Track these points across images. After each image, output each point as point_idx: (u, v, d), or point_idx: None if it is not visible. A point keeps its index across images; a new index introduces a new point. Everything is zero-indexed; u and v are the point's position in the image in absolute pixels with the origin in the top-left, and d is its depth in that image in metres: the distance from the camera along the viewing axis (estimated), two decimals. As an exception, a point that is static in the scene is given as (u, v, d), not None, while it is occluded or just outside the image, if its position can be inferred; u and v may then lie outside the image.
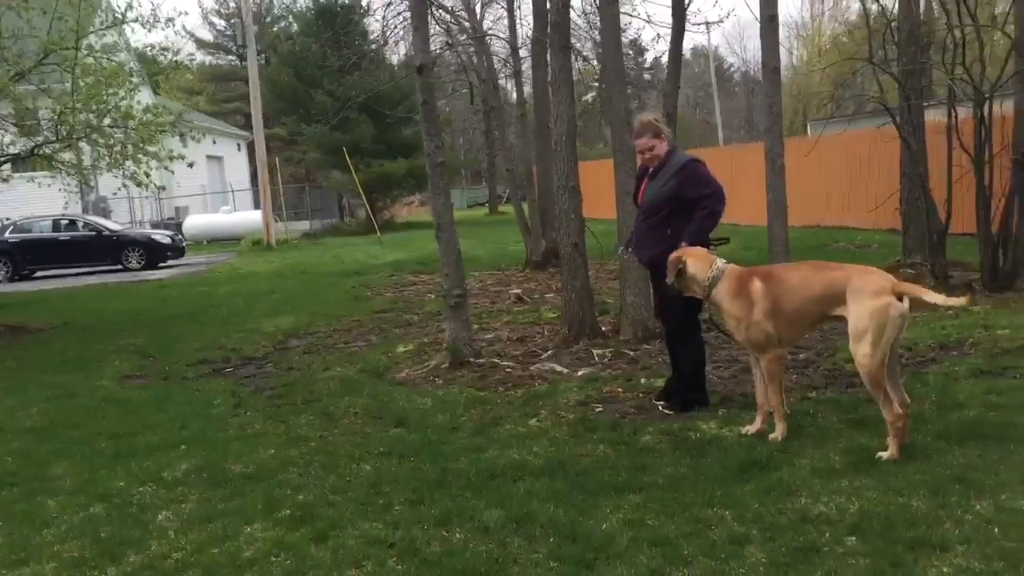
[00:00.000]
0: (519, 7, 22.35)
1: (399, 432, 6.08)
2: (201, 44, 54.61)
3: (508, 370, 7.74)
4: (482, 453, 5.42)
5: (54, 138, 11.55)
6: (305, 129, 34.46)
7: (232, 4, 55.86)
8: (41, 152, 11.87)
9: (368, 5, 35.56)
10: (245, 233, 30.22)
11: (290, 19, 56.20)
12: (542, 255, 15.95)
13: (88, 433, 6.64)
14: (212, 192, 39.37)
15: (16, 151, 11.97)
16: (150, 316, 13.39)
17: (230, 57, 58.80)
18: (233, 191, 38.52)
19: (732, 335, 5.54)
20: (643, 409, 6.21)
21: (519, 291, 12.81)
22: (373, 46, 33.16)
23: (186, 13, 27.46)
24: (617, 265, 11.95)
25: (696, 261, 5.43)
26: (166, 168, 12.04)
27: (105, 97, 11.35)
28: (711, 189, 5.89)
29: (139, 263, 23.55)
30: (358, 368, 8.39)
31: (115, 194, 19.16)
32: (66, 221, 23.89)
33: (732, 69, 74.04)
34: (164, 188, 13.02)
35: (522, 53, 18.17)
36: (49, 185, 14.14)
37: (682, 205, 5.93)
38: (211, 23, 57.54)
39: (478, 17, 16.25)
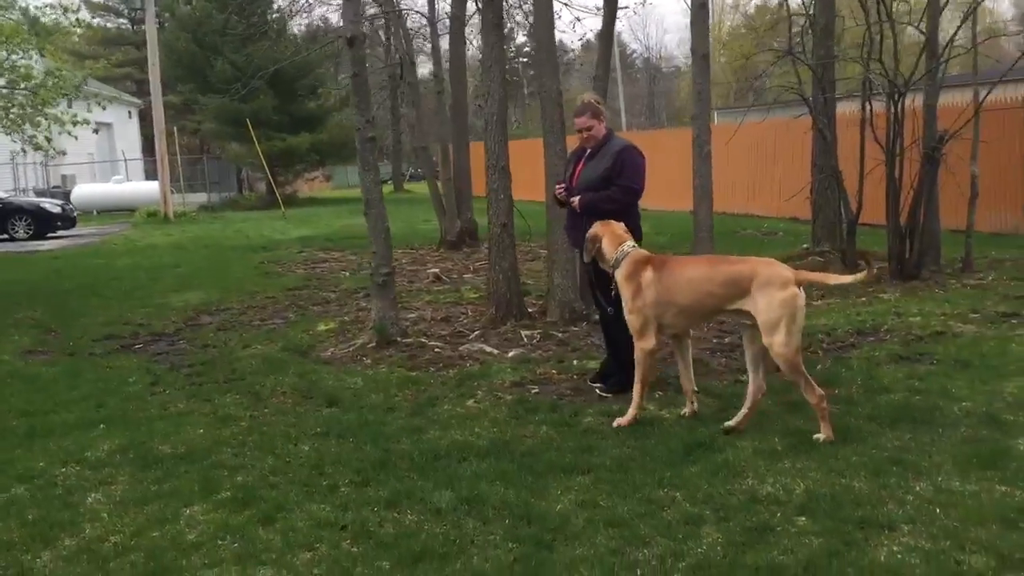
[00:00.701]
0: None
1: (333, 412, 5.95)
2: (90, 5, 52.06)
3: (437, 350, 7.67)
4: (423, 434, 5.36)
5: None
6: (203, 98, 33.29)
7: (126, -35, 53.52)
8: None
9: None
10: (139, 204, 29.09)
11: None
12: (457, 235, 15.86)
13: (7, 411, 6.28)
14: (101, 161, 37.73)
15: None
16: (46, 289, 12.75)
17: (120, 20, 56.34)
18: (126, 160, 36.98)
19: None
20: (579, 391, 6.24)
21: (437, 270, 12.72)
22: (275, 15, 32.31)
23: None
24: (539, 248, 12.03)
25: (609, 240, 5.51)
26: (69, 133, 11.44)
27: (4, 55, 10.70)
28: (635, 185, 5.98)
29: (27, 233, 22.40)
30: (280, 346, 8.18)
31: (17, 158, 18.08)
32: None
33: (634, 55, 75.06)
34: (64, 153, 12.35)
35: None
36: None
37: None
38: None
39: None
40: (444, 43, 17.51)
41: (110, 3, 54.33)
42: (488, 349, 7.65)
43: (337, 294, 11.36)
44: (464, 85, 16.33)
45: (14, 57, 11.01)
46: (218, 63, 31.46)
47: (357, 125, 7.92)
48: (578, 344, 7.65)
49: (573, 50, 47.52)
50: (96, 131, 13.07)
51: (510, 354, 7.42)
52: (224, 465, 4.94)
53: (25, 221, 22.55)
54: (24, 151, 11.95)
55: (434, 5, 17.04)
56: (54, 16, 13.01)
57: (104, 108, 20.67)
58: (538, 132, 8.27)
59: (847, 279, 5.20)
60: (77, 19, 12.12)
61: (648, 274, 5.28)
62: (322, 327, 8.95)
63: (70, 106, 11.93)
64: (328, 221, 24.46)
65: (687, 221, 16.44)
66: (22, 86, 11.10)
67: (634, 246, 5.50)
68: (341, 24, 21.72)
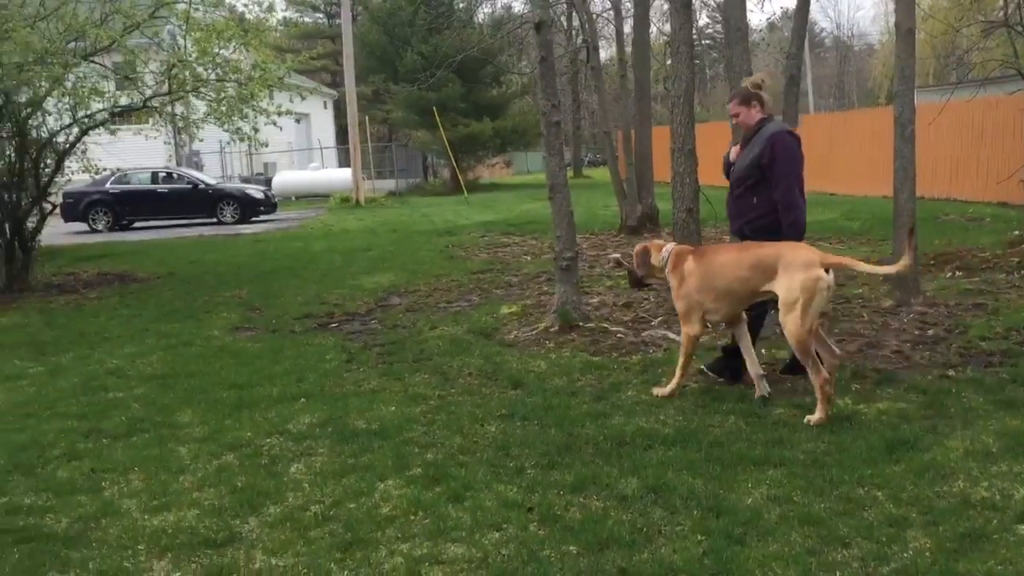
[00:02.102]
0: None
1: (518, 394, 6.01)
2: (289, 1, 55.01)
3: (619, 336, 7.61)
4: (607, 419, 5.32)
5: (165, 91, 11.74)
6: (392, 87, 34.53)
7: (322, -39, 56.18)
8: (151, 105, 12.07)
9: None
10: (332, 190, 30.55)
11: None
12: (637, 220, 15.70)
13: (208, 382, 6.74)
14: (299, 149, 39.86)
15: (128, 103, 12.19)
16: (250, 269, 13.59)
17: (317, 15, 59.20)
18: (321, 148, 38.92)
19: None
20: (768, 381, 6.01)
21: (618, 256, 12.60)
22: (462, 4, 33.06)
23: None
24: (723, 233, 11.73)
25: (656, 249, 5.83)
26: (275, 123, 12.13)
27: (216, 51, 11.46)
28: (792, 177, 5.65)
29: (233, 217, 23.98)
30: (465, 328, 8.35)
31: (225, 148, 19.33)
32: (164, 174, 24.46)
33: (823, 33, 71.78)
34: (267, 144, 13.12)
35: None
36: (156, 137, 14.41)
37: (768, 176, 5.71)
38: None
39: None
40: (626, 26, 17.33)
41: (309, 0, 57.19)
42: (672, 336, 7.51)
43: (519, 278, 11.48)
44: (647, 68, 16.12)
45: (224, 52, 11.78)
46: (407, 53, 32.50)
47: (543, 109, 7.95)
48: (766, 332, 7.38)
49: (761, 30, 45.94)
50: (298, 121, 13.80)
51: (695, 341, 7.25)
52: (415, 442, 5.09)
53: (232, 206, 24.15)
54: (234, 140, 12.75)
55: (618, -12, 16.86)
56: (258, 13, 13.81)
57: (304, 99, 21.79)
58: (721, 115, 8.00)
59: (880, 269, 5.32)
60: (286, 19, 12.76)
61: (689, 263, 5.54)
62: (505, 310, 9.07)
63: (271, 98, 12.63)
64: (509, 206, 24.81)
65: (881, 206, 15.65)
66: (232, 79, 11.86)
67: (675, 245, 5.84)
68: (524, 12, 21.90)
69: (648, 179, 16.09)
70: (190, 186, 24.17)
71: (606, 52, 34.53)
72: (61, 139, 12.13)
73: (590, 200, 23.69)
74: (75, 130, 12.02)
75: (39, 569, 3.75)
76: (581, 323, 7.94)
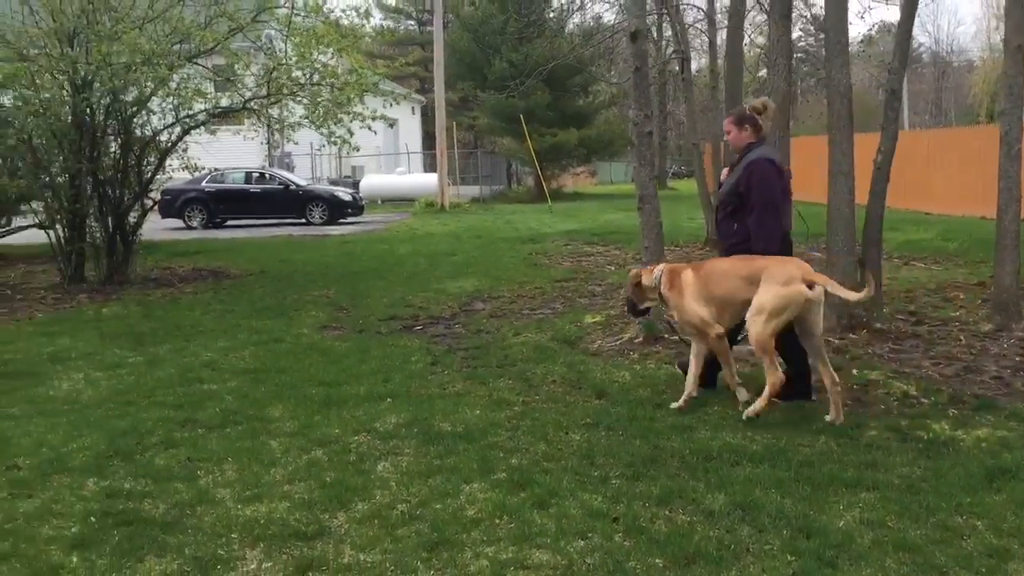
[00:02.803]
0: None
1: (602, 404, 6.00)
2: (382, 8, 55.98)
3: (705, 349, 7.52)
4: (693, 433, 5.27)
5: (264, 94, 12.07)
6: (480, 94, 34.81)
7: (415, -32, 57.00)
8: (250, 107, 12.42)
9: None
10: (418, 195, 30.93)
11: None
12: (724, 233, 15.46)
13: (297, 378, 6.89)
14: (386, 153, 40.48)
15: (228, 104, 12.57)
16: (337, 270, 13.85)
17: (408, 22, 60.09)
18: (408, 153, 39.46)
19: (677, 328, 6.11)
20: (861, 402, 5.88)
21: (703, 269, 12.48)
22: (552, 14, 33.14)
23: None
24: (814, 250, 11.50)
25: (645, 274, 6.08)
26: (369, 128, 12.36)
27: (314, 55, 11.75)
28: (762, 200, 5.78)
29: (321, 218, 24.48)
30: (549, 336, 8.36)
31: (319, 150, 19.72)
32: (257, 174, 25.11)
33: (921, 48, 69.75)
34: (358, 148, 13.37)
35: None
36: (252, 138, 14.80)
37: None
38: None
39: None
40: (719, 37, 17.15)
41: (401, 6, 58.11)
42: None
43: (603, 288, 11.44)
44: (740, 80, 15.86)
45: (323, 58, 12.06)
46: (496, 61, 32.73)
47: (635, 120, 7.92)
48: (857, 352, 7.21)
49: (861, 42, 44.91)
50: (391, 126, 14.02)
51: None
52: (499, 447, 5.11)
53: (321, 207, 24.66)
54: (329, 143, 13.02)
55: (713, 0, 16.69)
56: (354, 20, 14.09)
57: (397, 104, 22.09)
58: (811, 129, 7.85)
59: (850, 294, 5.58)
60: (382, 26, 12.99)
61: (688, 275, 5.80)
62: (589, 319, 9.05)
63: (362, 101, 12.86)
64: (592, 216, 24.75)
65: (979, 227, 15.15)
66: (328, 83, 12.12)
67: (664, 266, 6.06)
68: (616, 22, 21.84)
69: (736, 192, 15.83)
70: (281, 187, 24.76)
71: (696, 63, 34.21)
72: (164, 138, 12.55)
73: (675, 212, 23.44)
74: (177, 129, 12.44)
75: (138, 552, 3.88)
76: (666, 335, 7.87)
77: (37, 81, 11.35)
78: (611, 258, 14.79)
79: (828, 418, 5.38)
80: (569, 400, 6.12)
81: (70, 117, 11.63)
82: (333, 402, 6.18)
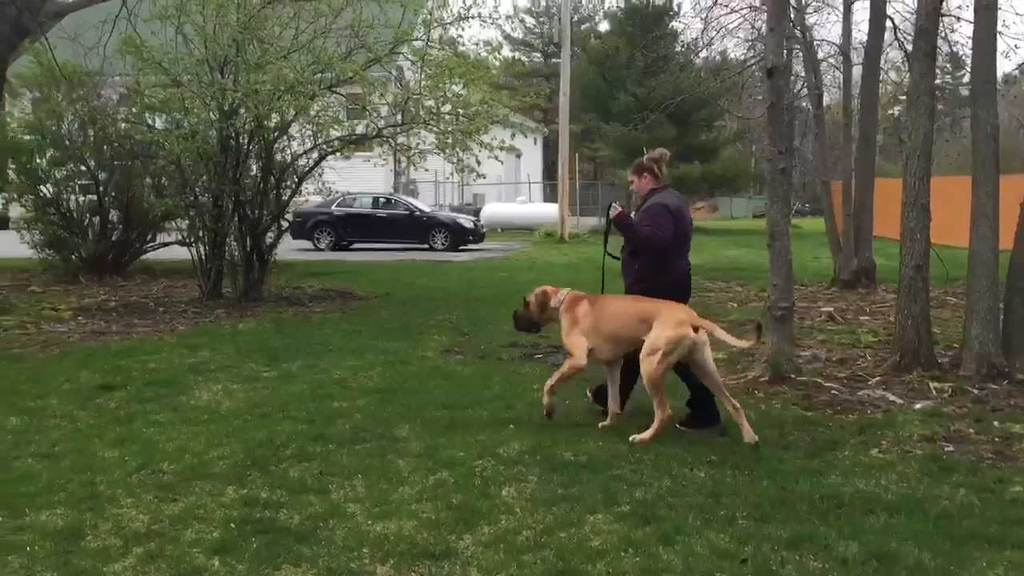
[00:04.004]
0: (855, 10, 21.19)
1: (726, 441, 5.92)
2: (510, 41, 56.99)
3: (834, 392, 7.33)
4: (822, 478, 5.14)
5: (398, 122, 12.45)
6: (604, 127, 34.96)
7: (543, 3, 57.85)
8: (383, 134, 12.83)
9: (679, 7, 35.38)
10: (537, 224, 31.19)
11: (597, 18, 57.46)
12: (852, 274, 15.05)
13: (423, 400, 7.04)
14: (507, 183, 40.99)
15: (362, 132, 13.01)
16: (459, 296, 14.08)
17: (535, 55, 60.95)
18: (530, 183, 39.87)
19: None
20: (1004, 455, 5.62)
21: (831, 309, 12.17)
22: (679, 49, 33.06)
23: (502, 16, 28.61)
24: (949, 294, 11.10)
25: (554, 293, 6.59)
26: (496, 158, 12.60)
27: (447, 86, 12.07)
28: (649, 227, 6.29)
29: (443, 244, 24.95)
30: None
31: (449, 178, 20.16)
32: (384, 199, 25.82)
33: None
34: (484, 176, 13.63)
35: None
36: (383, 165, 15.25)
37: None
38: (521, 20, 59.83)
39: (807, 21, 15.57)
40: (854, 73, 16.79)
41: (528, 39, 59.02)
42: (891, 397, 7.16)
43: (725, 325, 11.09)
44: (874, 118, 15.49)
45: (455, 88, 12.38)
46: (620, 94, 32.85)
47: (768, 156, 7.84)
48: (999, 403, 6.90)
49: (1005, 82, 43.04)
50: (519, 156, 14.24)
51: (917, 406, 6.88)
52: (623, 479, 5.10)
53: (443, 234, 25.16)
54: (459, 172, 13.31)
55: (849, 35, 16.33)
56: (484, 53, 14.44)
57: (525, 136, 22.40)
58: (948, 169, 7.58)
59: (738, 343, 6.21)
60: (513, 59, 13.22)
61: (584, 306, 6.32)
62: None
63: (486, 131, 13.11)
64: (713, 251, 24.44)
65: None
66: (460, 113, 12.43)
67: (569, 290, 6.58)
68: (743, 57, 21.59)
69: (867, 232, 15.40)
70: (406, 212, 25.39)
71: (825, 99, 33.50)
72: (301, 162, 13.07)
73: (799, 251, 22.76)
74: (315, 154, 12.94)
75: (275, 560, 4.04)
76: (793, 376, 7.71)
77: (188, 106, 12.02)
78: (733, 295, 14.57)
79: (745, 440, 5.76)
80: (692, 436, 6.06)
81: (216, 141, 12.24)
82: (457, 425, 6.28)
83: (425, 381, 7.80)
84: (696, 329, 5.83)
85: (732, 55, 31.74)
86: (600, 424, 6.27)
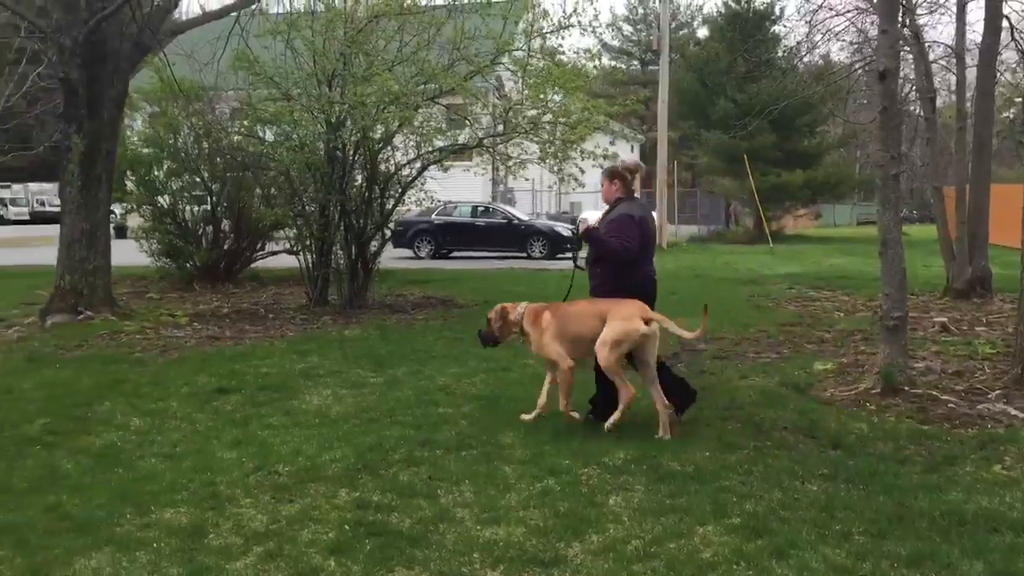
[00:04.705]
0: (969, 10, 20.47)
1: (838, 455, 5.78)
2: (606, 48, 56.87)
3: (951, 405, 7.07)
4: (942, 494, 4.96)
5: (499, 132, 12.57)
6: (703, 134, 34.53)
7: (641, 10, 57.57)
8: (484, 144, 12.97)
9: (781, 11, 34.72)
10: (635, 232, 30.94)
11: (695, 24, 56.88)
12: (966, 283, 14.48)
13: (526, 407, 7.04)
14: (604, 190, 40.74)
15: (464, 142, 13.18)
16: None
17: (632, 62, 60.67)
18: (627, 191, 39.59)
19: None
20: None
21: (944, 320, 11.73)
22: (781, 53, 32.41)
23: (601, 24, 28.54)
24: None
25: (512, 309, 6.86)
26: (600, 166, 12.60)
27: (548, 96, 12.14)
28: (616, 238, 6.51)
29: (541, 252, 25.00)
30: (776, 381, 8.13)
31: (550, 187, 20.34)
32: (482, 208, 26.05)
33: None
34: (584, 185, 13.63)
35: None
36: (482, 174, 15.40)
37: None
38: (618, 28, 59.65)
39: (918, 22, 15.04)
40: (968, 75, 16.16)
41: (625, 47, 58.80)
42: (1013, 412, 6.86)
43: (832, 334, 11.00)
44: (990, 122, 14.90)
45: (556, 97, 12.44)
46: (720, 100, 32.40)
47: (880, 161, 7.63)
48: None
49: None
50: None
51: (1042, 421, 6.58)
52: (732, 491, 5.04)
53: (541, 242, 25.22)
54: (560, 180, 13.35)
55: (963, 36, 15.73)
56: (581, 62, 14.44)
57: (627, 143, 22.30)
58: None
59: (683, 332, 6.68)
60: (612, 67, 13.21)
61: (547, 315, 6.65)
62: (819, 366, 8.73)
63: (586, 140, 13.10)
64: (816, 259, 23.88)
65: None
66: (561, 122, 12.47)
67: (527, 304, 6.87)
68: (847, 60, 21.04)
69: (982, 240, 14.81)
70: (504, 221, 25.56)
71: (937, 102, 32.36)
72: (405, 172, 13.31)
73: (909, 259, 22.12)
74: (418, 164, 13.17)
75: (388, 562, 4.13)
76: (906, 388, 7.47)
77: (297, 119, 12.39)
78: (839, 304, 14.19)
79: (659, 435, 6.21)
80: (802, 448, 5.94)
81: (323, 152, 12.58)
82: (561, 433, 6.30)
83: (527, 388, 7.80)
84: (647, 322, 6.28)
85: (836, 58, 31.03)
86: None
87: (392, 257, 22.96)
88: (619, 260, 6.60)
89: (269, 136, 13.65)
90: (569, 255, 24.95)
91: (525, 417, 6.64)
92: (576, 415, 6.63)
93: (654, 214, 29.26)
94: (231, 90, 15.05)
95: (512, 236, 25.30)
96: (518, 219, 25.95)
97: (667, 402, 6.39)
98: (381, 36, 12.73)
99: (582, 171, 12.83)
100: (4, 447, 6.11)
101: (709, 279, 18.36)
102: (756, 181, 29.33)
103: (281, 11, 13.74)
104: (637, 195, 7.18)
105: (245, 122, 14.24)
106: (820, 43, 19.22)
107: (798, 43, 20.49)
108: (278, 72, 12.56)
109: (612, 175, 6.93)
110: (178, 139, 16.18)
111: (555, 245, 25.19)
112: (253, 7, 13.11)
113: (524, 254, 25.01)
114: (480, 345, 7.29)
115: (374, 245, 13.33)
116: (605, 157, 12.10)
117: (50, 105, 23.17)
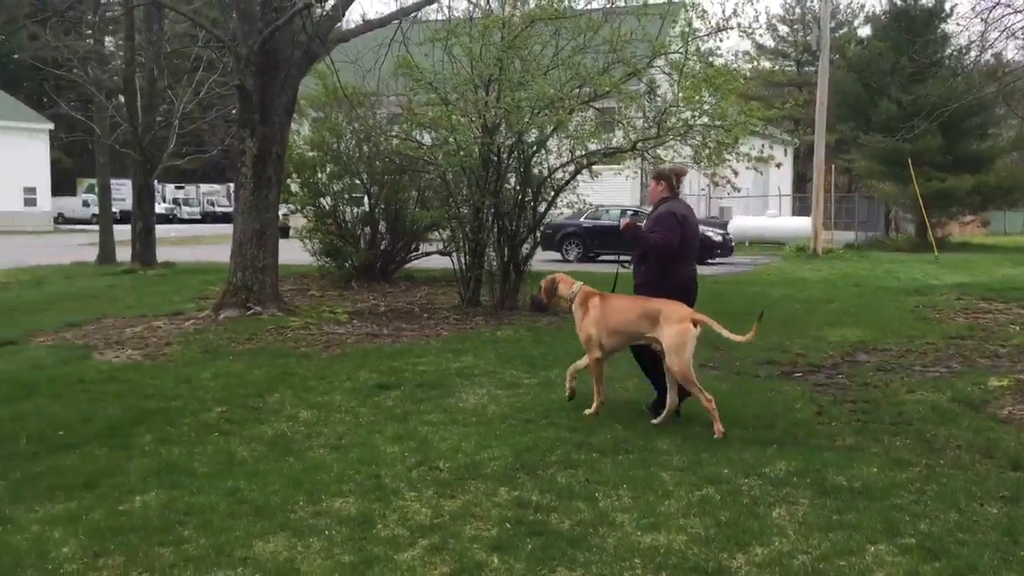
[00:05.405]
0: None
1: (1019, 477, 5.45)
2: (761, 50, 55.45)
3: None
4: None
5: (653, 134, 12.47)
6: (862, 137, 33.18)
7: (798, 10, 55.90)
8: (639, 148, 12.89)
9: (952, 8, 32.95)
10: (787, 238, 30.11)
11: (856, 23, 54.79)
12: None
13: (683, 413, 6.98)
14: (754, 196, 39.87)
15: (617, 145, 13.16)
16: (709, 309, 13.54)
17: (787, 63, 58.97)
18: (780, 195, 38.60)
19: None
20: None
21: None
22: (950, 52, 30.81)
23: (761, 25, 27.85)
24: None
25: (564, 284, 7.24)
26: (756, 169, 12.34)
27: (704, 98, 11.96)
28: (657, 232, 6.83)
29: (691, 257, 24.62)
30: (948, 396, 7.73)
31: (703, 191, 20.04)
32: (631, 212, 25.87)
33: None
34: (739, 190, 13.33)
35: None
36: (633, 177, 15.32)
37: None
38: (774, 29, 58.11)
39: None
40: None
41: (780, 48, 57.23)
42: None
43: (1008, 349, 10.36)
44: None
45: (712, 99, 12.24)
46: (882, 102, 31.05)
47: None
48: None
49: None
50: (779, 166, 13.86)
51: None
52: (904, 509, 4.83)
53: (691, 247, 24.83)
54: (714, 184, 13.13)
55: None
56: (737, 63, 14.15)
57: (785, 147, 21.75)
58: None
59: (736, 337, 6.59)
60: (771, 69, 12.91)
61: (595, 301, 6.92)
62: (994, 382, 8.24)
63: (771, 147, 12.81)
64: (987, 269, 22.53)
65: None
66: (717, 124, 12.26)
67: (583, 285, 7.15)
68: (1018, 60, 19.73)
69: None
70: (653, 225, 25.30)
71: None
72: (558, 175, 13.40)
73: (1091, 270, 20.69)
74: (571, 168, 13.24)
75: (550, 562, 4.18)
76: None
77: (454, 123, 12.67)
78: (1013, 316, 13.35)
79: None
80: (979, 469, 5.63)
81: (478, 156, 12.82)
82: (718, 441, 6.20)
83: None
84: (695, 323, 6.49)
85: (1010, 57, 29.23)
86: (585, 411, 6.87)
87: (540, 260, 23.15)
88: (660, 255, 6.87)
89: (427, 140, 14.01)
90: (719, 260, 24.62)
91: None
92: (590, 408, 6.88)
93: (808, 219, 28.49)
94: (392, 95, 15.54)
95: (660, 240, 25.00)
96: (667, 224, 25.64)
97: (710, 396, 6.56)
98: (537, 41, 12.86)
99: (736, 173, 12.55)
100: (186, 433, 6.53)
101: (868, 288, 17.62)
102: (920, 186, 27.93)
103: (441, 18, 14.10)
104: (681, 196, 7.42)
105: (404, 126, 14.66)
106: (996, 41, 18.05)
107: (971, 42, 19.40)
108: (436, 77, 12.87)
109: (659, 176, 7.27)
110: (340, 143, 16.83)
111: (704, 250, 24.67)
112: (412, 15, 13.49)
113: (673, 259, 24.66)
114: (532, 309, 7.54)
115: (526, 248, 13.47)
116: (762, 160, 11.81)
117: (222, 111, 24.68)
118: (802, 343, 10.65)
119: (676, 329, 6.42)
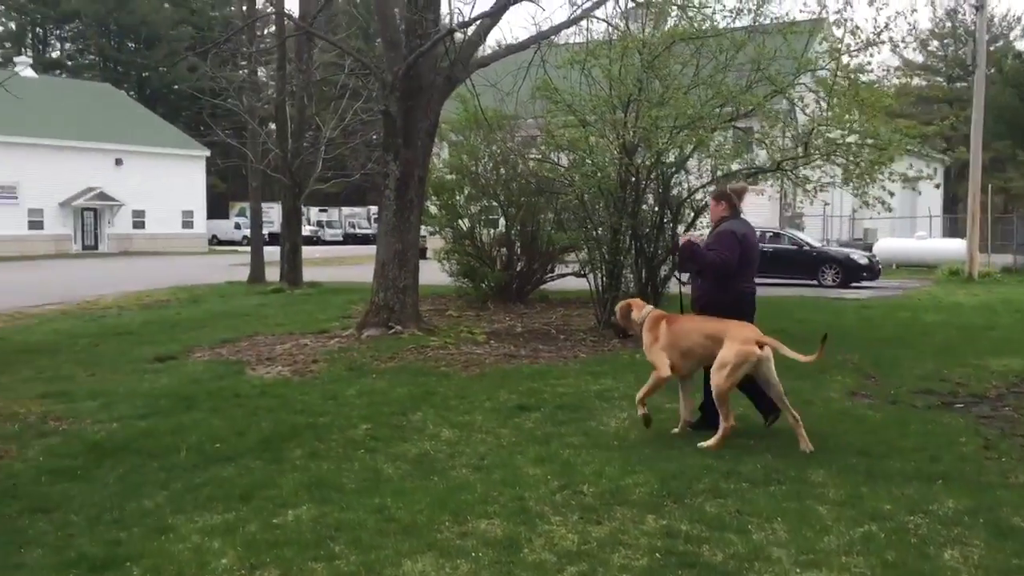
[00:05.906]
0: None
1: None
2: (910, 65, 53.26)
3: None
4: None
5: (800, 154, 12.08)
6: (1021, 155, 31.35)
7: (949, 24, 53.47)
8: (783, 167, 12.51)
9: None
10: (938, 261, 28.71)
11: (1012, 36, 52.01)
12: None
13: (834, 444, 6.68)
14: (901, 216, 38.11)
15: (760, 165, 12.81)
16: (857, 335, 13.25)
17: (936, 78, 56.40)
18: (931, 216, 36.83)
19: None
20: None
21: None
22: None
23: (914, 39, 26.70)
24: None
25: (637, 308, 7.26)
26: (914, 189, 11.79)
27: (853, 116, 11.51)
28: (716, 251, 6.94)
29: (834, 281, 23.77)
30: None
31: (856, 212, 19.29)
32: (771, 233, 25.19)
33: None
34: (891, 209, 12.72)
35: None
36: (775, 197, 14.87)
37: None
38: (923, 43, 55.73)
39: None
40: None
41: (929, 63, 54.86)
42: None
43: None
44: None
45: (860, 118, 11.76)
46: (1044, 116, 29.26)
47: None
48: None
49: None
50: (938, 186, 13.21)
51: None
52: (1091, 558, 4.42)
53: (834, 270, 23.97)
54: (865, 205, 12.59)
55: None
56: (891, 79, 13.56)
57: (911, 166, 20.78)
58: None
59: (798, 356, 6.61)
60: (933, 82, 12.30)
61: (663, 325, 6.91)
62: None
63: (890, 162, 12.24)
64: None
65: None
66: (869, 144, 11.77)
67: (653, 309, 7.25)
68: None
69: None
70: (794, 247, 24.54)
71: None
72: (698, 196, 13.14)
73: None
74: (712, 188, 12.95)
75: (707, 595, 4.01)
76: None
77: (592, 144, 12.62)
78: None
79: (801, 448, 6.39)
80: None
81: (616, 177, 12.71)
82: (877, 475, 5.88)
83: (834, 424, 7.41)
84: (761, 346, 6.48)
85: None
86: (673, 431, 6.99)
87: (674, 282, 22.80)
88: (718, 273, 6.97)
89: (564, 161, 14.01)
90: (865, 284, 23.63)
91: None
92: (643, 411, 6.94)
93: (962, 241, 27.02)
94: (530, 118, 15.64)
95: (802, 263, 24.22)
96: (809, 245, 24.82)
97: (798, 416, 6.61)
98: (677, 60, 12.69)
99: (891, 194, 11.98)
100: (334, 448, 6.67)
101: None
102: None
103: (579, 40, 14.10)
104: (742, 215, 7.40)
105: (542, 148, 14.72)
106: None
107: None
108: (575, 99, 12.87)
109: (719, 196, 7.40)
110: (478, 166, 17.05)
111: (850, 273, 23.87)
112: (550, 38, 13.54)
113: (814, 281, 23.84)
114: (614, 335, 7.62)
115: (664, 269, 13.25)
116: (920, 179, 11.26)
117: (364, 137, 25.48)
118: (962, 372, 10.06)
119: (735, 349, 6.46)
